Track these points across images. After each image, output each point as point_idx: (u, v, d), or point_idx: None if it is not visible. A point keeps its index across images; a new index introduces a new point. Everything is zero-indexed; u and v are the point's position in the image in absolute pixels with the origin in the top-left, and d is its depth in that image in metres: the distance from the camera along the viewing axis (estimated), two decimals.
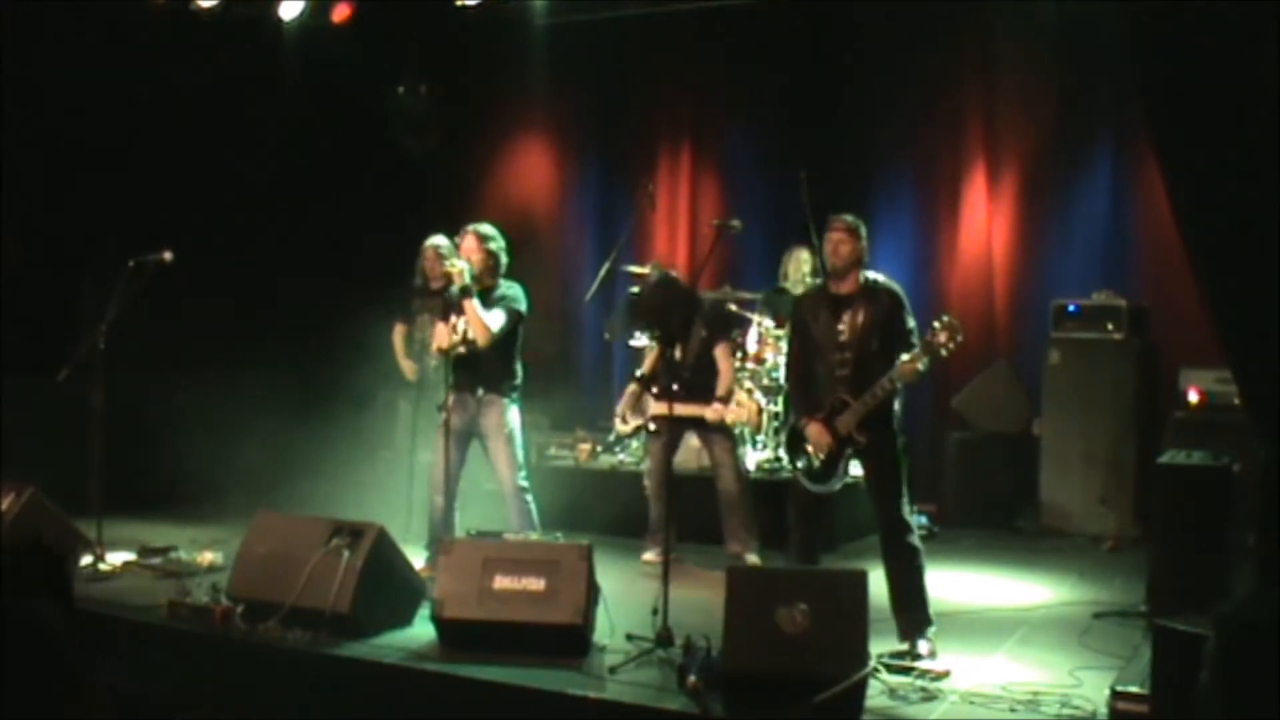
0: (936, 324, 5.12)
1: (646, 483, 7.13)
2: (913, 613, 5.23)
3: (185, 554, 6.81)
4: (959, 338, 5.10)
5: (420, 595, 5.63)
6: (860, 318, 5.29)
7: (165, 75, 8.73)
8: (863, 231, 5.39)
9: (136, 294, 6.65)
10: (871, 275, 5.42)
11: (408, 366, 7.41)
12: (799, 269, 8.55)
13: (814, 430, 5.33)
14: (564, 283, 10.00)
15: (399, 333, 7.51)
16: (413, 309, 7.42)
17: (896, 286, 5.42)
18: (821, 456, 5.35)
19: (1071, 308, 8.31)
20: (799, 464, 5.43)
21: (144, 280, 6.65)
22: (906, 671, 4.89)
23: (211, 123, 8.91)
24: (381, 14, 9.52)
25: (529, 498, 6.36)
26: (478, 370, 6.29)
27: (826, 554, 7.44)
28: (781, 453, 6.34)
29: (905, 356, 5.14)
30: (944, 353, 5.13)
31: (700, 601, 5.56)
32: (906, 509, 5.34)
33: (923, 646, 5.10)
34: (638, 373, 7.38)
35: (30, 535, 3.21)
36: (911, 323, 5.35)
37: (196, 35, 8.90)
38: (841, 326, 5.31)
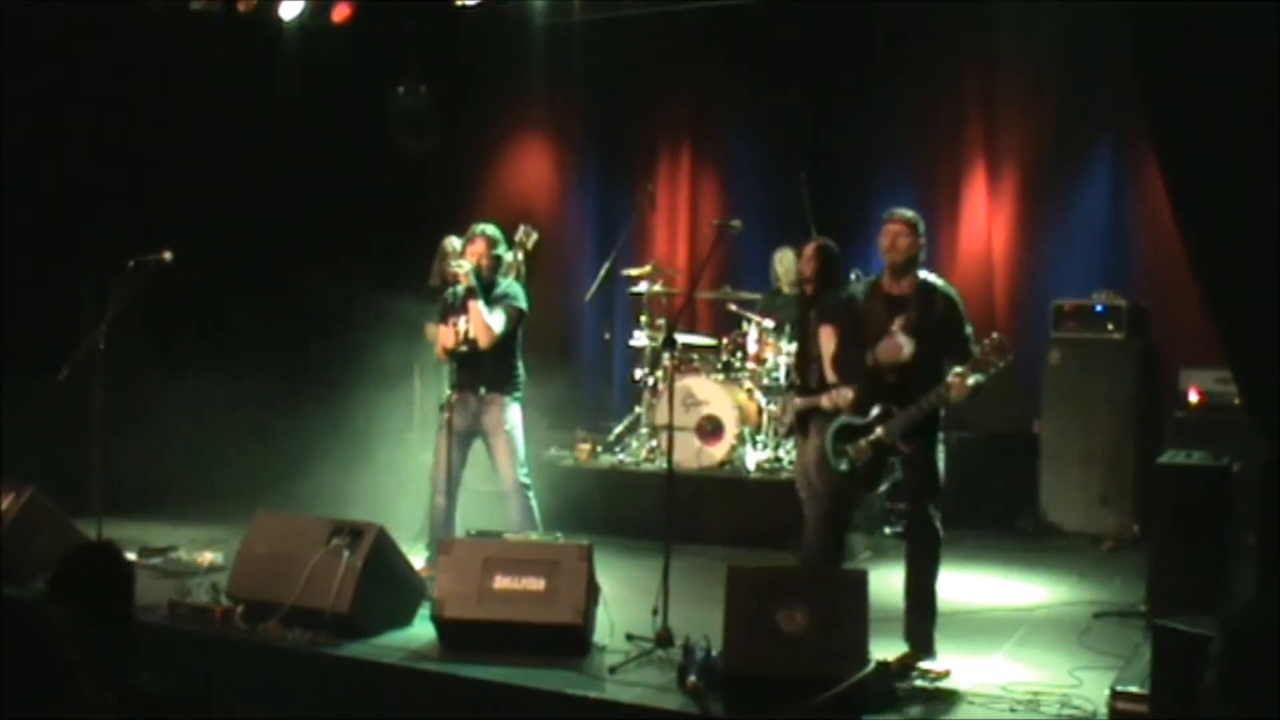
0: (986, 341, 4.96)
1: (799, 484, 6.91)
2: (924, 623, 5.12)
3: (185, 554, 6.81)
4: (1009, 357, 4.94)
5: (420, 595, 5.63)
6: (913, 323, 5.07)
7: (165, 75, 8.74)
8: (921, 227, 5.24)
9: (136, 294, 6.64)
10: (929, 277, 5.23)
11: None
12: (787, 269, 8.56)
13: (837, 430, 5.16)
14: (564, 283, 10.00)
15: (431, 333, 7.52)
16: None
17: (953, 290, 5.24)
18: (852, 462, 5.16)
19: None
20: (841, 466, 5.20)
21: (144, 280, 6.65)
22: (907, 671, 4.89)
23: (211, 123, 8.90)
24: (381, 14, 9.52)
25: (530, 494, 6.36)
26: (479, 369, 6.30)
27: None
28: (828, 447, 6.03)
29: (957, 370, 4.95)
30: (991, 370, 4.94)
31: (700, 601, 5.56)
32: (938, 518, 5.18)
33: (927, 663, 5.01)
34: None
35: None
36: (969, 329, 5.16)
37: (196, 35, 8.90)
38: (894, 329, 5.08)
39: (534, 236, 6.57)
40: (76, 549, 3.35)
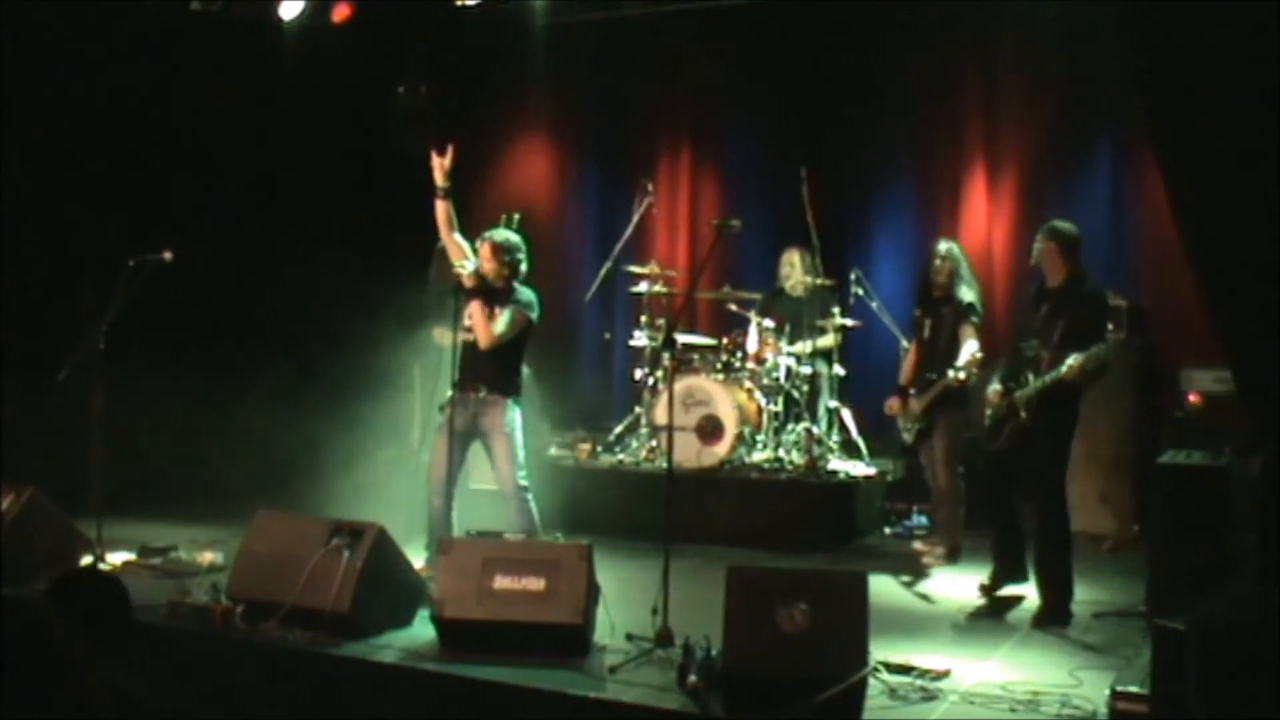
0: (1108, 343, 5.84)
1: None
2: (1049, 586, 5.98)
3: (185, 554, 6.81)
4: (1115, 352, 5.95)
5: (420, 595, 5.63)
6: (1052, 311, 5.97)
7: (165, 75, 8.73)
8: (1067, 234, 6.08)
9: (136, 294, 6.64)
10: (1081, 277, 6.07)
11: None
12: (792, 270, 8.57)
13: (990, 391, 6.21)
14: (564, 283, 10.00)
15: (438, 335, 7.57)
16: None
17: (1094, 291, 6.06)
18: (990, 418, 6.17)
19: None
20: (985, 421, 6.26)
21: (144, 280, 6.65)
22: (906, 671, 4.90)
23: (211, 123, 8.90)
24: (381, 14, 9.52)
25: (529, 497, 6.35)
26: (480, 370, 6.30)
27: (832, 553, 7.47)
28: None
29: (1073, 357, 5.69)
30: (1096, 362, 5.72)
31: (700, 601, 5.55)
32: (1053, 493, 5.97)
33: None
34: (901, 381, 7.52)
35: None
36: (1092, 325, 5.89)
37: (196, 35, 8.90)
38: (1038, 318, 6.03)
39: (515, 217, 6.64)
40: (71, 575, 3.36)
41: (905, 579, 6.94)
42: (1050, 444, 6.02)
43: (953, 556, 7.26)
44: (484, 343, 6.23)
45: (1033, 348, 6.05)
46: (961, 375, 6.72)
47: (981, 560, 7.19)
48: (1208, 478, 5.63)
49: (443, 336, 7.49)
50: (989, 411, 6.23)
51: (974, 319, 7.07)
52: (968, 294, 7.16)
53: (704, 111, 10.26)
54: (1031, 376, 5.97)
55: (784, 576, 4.94)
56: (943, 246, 7.34)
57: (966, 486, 7.30)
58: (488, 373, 6.29)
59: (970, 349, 6.81)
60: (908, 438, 7.38)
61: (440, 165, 6.30)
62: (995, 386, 6.20)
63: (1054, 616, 5.90)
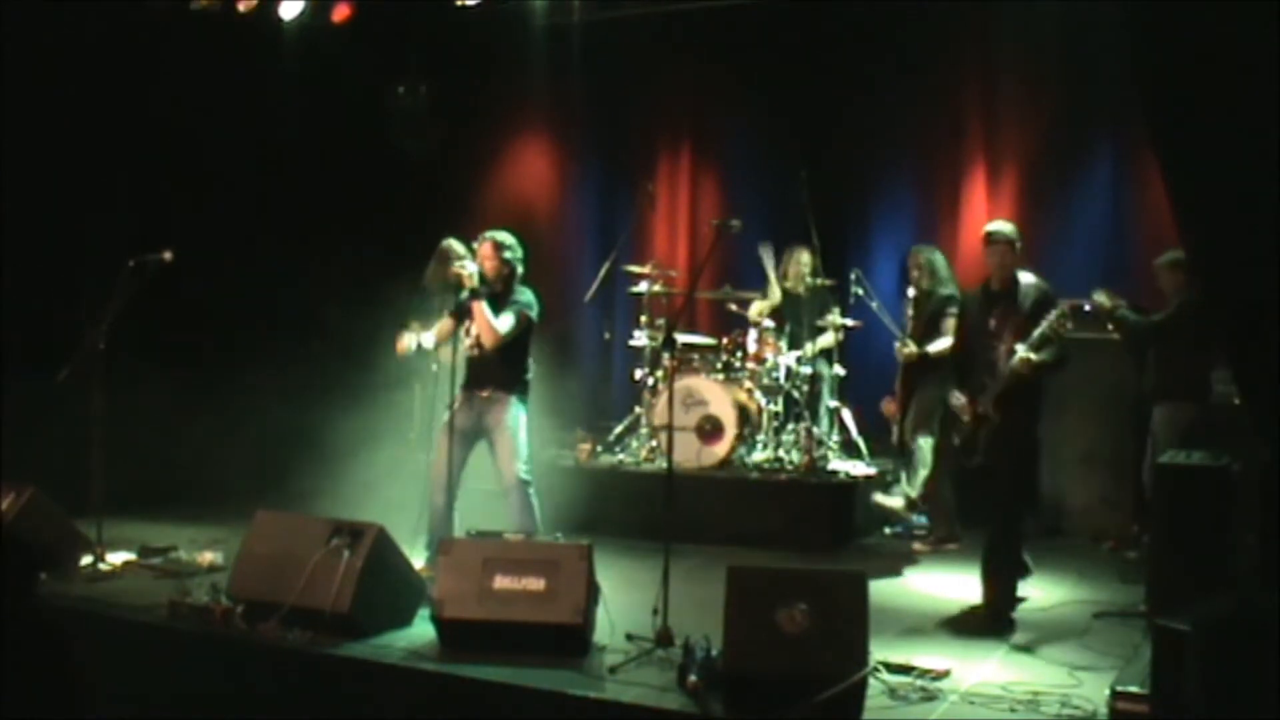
0: (1054, 314, 5.81)
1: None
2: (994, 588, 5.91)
3: (185, 554, 6.81)
4: (1068, 325, 5.83)
5: (420, 595, 5.63)
6: (1005, 313, 6.01)
7: (165, 75, 8.73)
8: (1015, 235, 6.15)
9: (136, 294, 6.64)
10: (1022, 276, 6.10)
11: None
12: (799, 269, 8.56)
13: (956, 402, 6.14)
14: (564, 283, 9.99)
15: (407, 340, 7.57)
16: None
17: (1041, 287, 6.06)
18: (964, 429, 6.11)
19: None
20: (955, 439, 6.24)
21: (144, 280, 6.65)
22: (906, 671, 4.90)
23: (211, 122, 8.90)
24: (381, 14, 9.51)
25: (531, 491, 6.37)
26: (486, 370, 6.33)
27: (832, 553, 7.47)
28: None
29: (1020, 348, 5.80)
30: (1053, 341, 5.80)
31: (700, 601, 5.55)
32: (1012, 495, 5.98)
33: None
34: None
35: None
36: (1051, 315, 5.90)
37: (197, 35, 8.90)
38: (991, 320, 6.06)
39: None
40: None
41: (905, 579, 6.94)
42: (1017, 443, 6.00)
43: (912, 509, 7.56)
44: (488, 342, 6.26)
45: (990, 350, 6.03)
46: (911, 349, 7.35)
47: (977, 558, 7.22)
48: (1208, 478, 5.63)
49: (422, 335, 7.47)
50: (962, 422, 6.16)
51: (950, 309, 7.26)
52: (946, 288, 7.48)
53: (704, 111, 10.26)
54: (989, 380, 5.99)
55: (784, 576, 4.93)
56: (913, 251, 7.73)
57: (956, 492, 7.40)
58: (493, 372, 6.34)
59: (944, 340, 7.15)
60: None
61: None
62: (960, 398, 6.13)
63: (996, 616, 5.84)
